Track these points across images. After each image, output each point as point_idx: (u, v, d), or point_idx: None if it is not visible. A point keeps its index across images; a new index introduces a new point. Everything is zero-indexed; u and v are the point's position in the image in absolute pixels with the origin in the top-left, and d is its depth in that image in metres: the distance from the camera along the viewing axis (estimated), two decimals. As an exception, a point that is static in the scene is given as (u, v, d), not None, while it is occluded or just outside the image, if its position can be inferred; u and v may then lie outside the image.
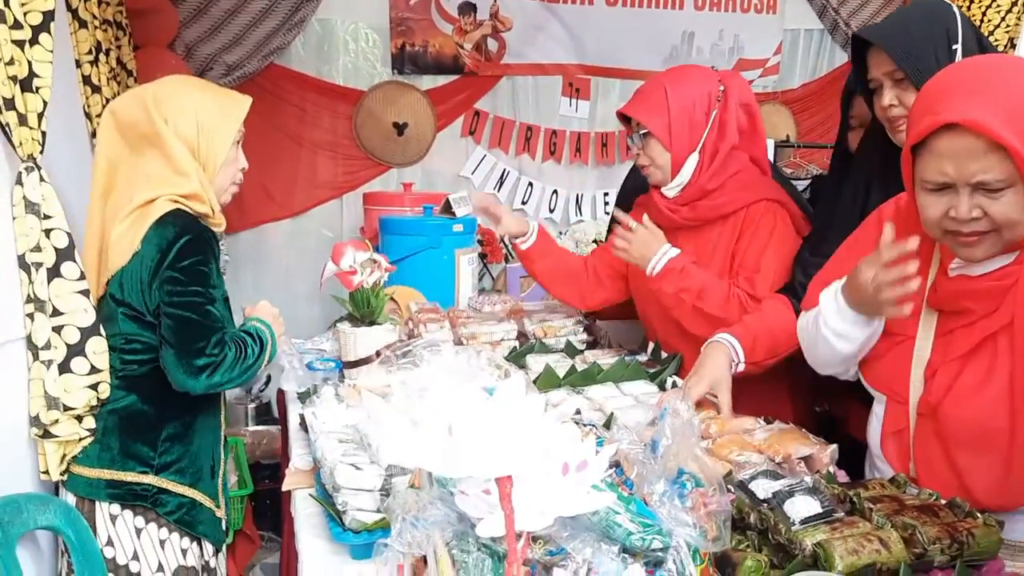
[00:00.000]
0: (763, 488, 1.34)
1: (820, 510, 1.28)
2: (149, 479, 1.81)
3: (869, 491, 1.37)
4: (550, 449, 0.87)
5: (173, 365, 1.73)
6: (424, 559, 1.25)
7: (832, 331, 1.54)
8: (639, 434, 1.23)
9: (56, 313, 1.71)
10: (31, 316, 1.68)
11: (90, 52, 2.41)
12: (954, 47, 1.72)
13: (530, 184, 4.16)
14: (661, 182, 2.09)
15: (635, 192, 3.06)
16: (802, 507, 1.28)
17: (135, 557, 1.80)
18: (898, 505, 1.32)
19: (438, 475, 1.18)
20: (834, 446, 1.56)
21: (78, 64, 2.38)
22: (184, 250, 1.73)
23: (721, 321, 1.93)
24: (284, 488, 1.69)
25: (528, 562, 1.07)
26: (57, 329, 1.71)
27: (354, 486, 1.41)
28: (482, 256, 3.92)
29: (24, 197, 1.65)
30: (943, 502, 1.33)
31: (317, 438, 1.62)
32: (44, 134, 1.69)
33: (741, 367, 1.80)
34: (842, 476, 1.55)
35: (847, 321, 1.52)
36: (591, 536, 1.09)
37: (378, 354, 2.14)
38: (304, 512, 1.59)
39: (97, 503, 1.78)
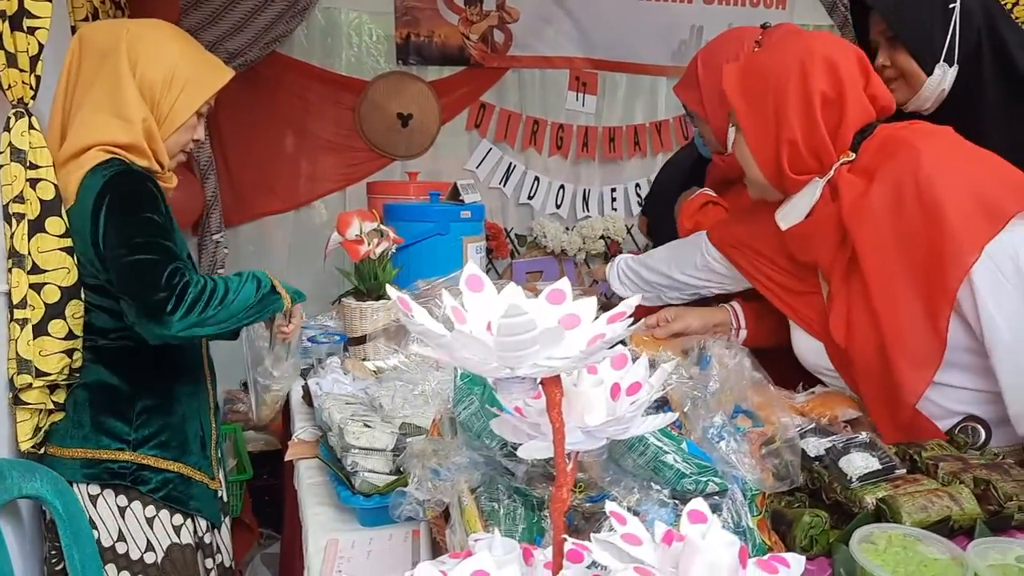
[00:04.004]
0: (813, 446, 1.23)
1: (879, 466, 1.17)
2: (127, 456, 1.66)
3: (929, 451, 1.26)
4: (601, 359, 0.76)
5: (136, 315, 1.54)
6: (445, 516, 1.13)
7: None
8: (687, 369, 1.11)
9: (36, 270, 1.58)
10: (11, 271, 1.56)
11: (86, 18, 2.32)
12: (951, 4, 1.71)
13: (536, 179, 4.05)
14: (718, 152, 2.01)
15: (667, 186, 2.96)
16: (859, 463, 1.17)
17: (121, 538, 1.66)
18: (963, 464, 1.21)
19: (463, 418, 1.07)
20: (883, 409, 1.44)
21: (74, 31, 2.29)
22: (115, 200, 1.56)
23: None
24: (287, 458, 1.57)
25: (566, 511, 0.95)
26: (36, 287, 1.58)
27: (364, 444, 1.30)
28: (488, 252, 3.82)
29: (10, 143, 1.54)
30: (1011, 460, 1.22)
31: (323, 402, 1.50)
32: (38, 79, 1.58)
33: (744, 333, 1.76)
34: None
35: None
36: (635, 481, 0.98)
37: (385, 329, 2.03)
38: (308, 481, 1.47)
39: (75, 485, 1.63)
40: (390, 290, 0.73)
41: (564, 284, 0.77)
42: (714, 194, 2.01)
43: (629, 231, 4.12)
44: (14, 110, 1.56)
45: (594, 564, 0.82)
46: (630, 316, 0.72)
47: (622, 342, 0.74)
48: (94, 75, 1.64)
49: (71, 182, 1.60)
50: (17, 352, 1.55)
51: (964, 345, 1.33)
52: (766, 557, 0.75)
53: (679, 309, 1.78)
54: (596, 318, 0.74)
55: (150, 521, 1.68)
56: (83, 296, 1.65)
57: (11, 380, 1.55)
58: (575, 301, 0.76)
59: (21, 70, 1.55)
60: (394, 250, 2.17)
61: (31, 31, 1.55)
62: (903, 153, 1.37)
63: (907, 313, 1.34)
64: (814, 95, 1.40)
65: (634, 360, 0.79)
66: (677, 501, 0.95)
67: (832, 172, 1.45)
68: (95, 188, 1.57)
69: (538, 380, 0.72)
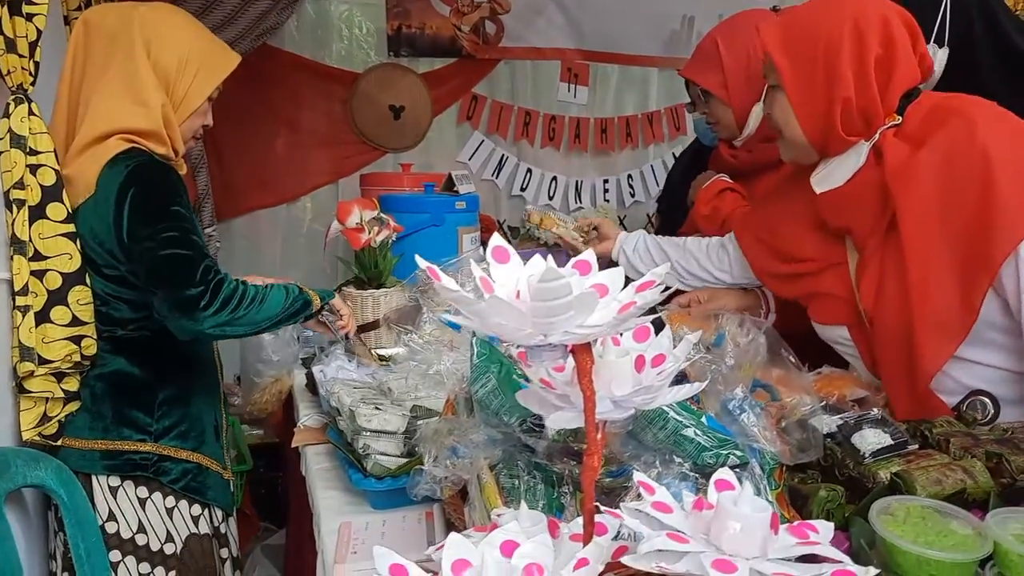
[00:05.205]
0: (825, 423, 1.23)
1: (892, 442, 1.18)
2: (148, 447, 1.64)
3: (938, 428, 1.27)
4: (632, 326, 0.76)
5: (168, 309, 1.53)
6: (462, 495, 1.13)
7: None
8: (703, 343, 1.12)
9: (38, 256, 1.56)
10: (12, 258, 1.54)
11: (79, 8, 2.29)
12: None
13: (529, 170, 4.05)
14: (730, 137, 2.00)
15: (682, 181, 2.96)
16: (872, 439, 1.18)
17: (141, 529, 1.64)
18: (973, 440, 1.21)
19: (481, 396, 1.06)
20: (890, 388, 1.45)
21: (67, 21, 2.27)
22: (141, 192, 1.54)
23: None
24: (293, 444, 1.57)
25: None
26: (38, 274, 1.56)
27: (376, 427, 1.29)
28: (482, 243, 3.81)
29: (10, 129, 1.52)
30: (1022, 435, 1.23)
31: (331, 387, 1.50)
32: (37, 65, 1.56)
33: (772, 317, 1.74)
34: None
35: None
36: (655, 455, 0.98)
37: (387, 318, 2.02)
38: (317, 467, 1.47)
39: (94, 477, 1.62)
40: (419, 260, 0.73)
41: (589, 255, 0.78)
42: (730, 180, 2.00)
43: (622, 222, 4.12)
44: (13, 96, 1.54)
45: (619, 536, 0.82)
46: (660, 284, 0.72)
47: (661, 324, 0.74)
48: (106, 60, 1.60)
49: (90, 172, 1.57)
50: (19, 340, 1.53)
51: (996, 323, 1.33)
52: (795, 523, 0.75)
53: (712, 290, 1.79)
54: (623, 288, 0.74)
55: (170, 512, 1.67)
56: (95, 285, 1.62)
57: (14, 368, 1.54)
58: (601, 272, 0.76)
59: (20, 56, 1.53)
60: (394, 238, 2.17)
61: (29, 17, 1.53)
62: (956, 122, 1.34)
63: (941, 282, 1.32)
64: (869, 54, 1.38)
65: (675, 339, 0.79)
66: (697, 475, 0.95)
67: (878, 136, 1.42)
68: (118, 179, 1.55)
69: (567, 348, 0.72)
